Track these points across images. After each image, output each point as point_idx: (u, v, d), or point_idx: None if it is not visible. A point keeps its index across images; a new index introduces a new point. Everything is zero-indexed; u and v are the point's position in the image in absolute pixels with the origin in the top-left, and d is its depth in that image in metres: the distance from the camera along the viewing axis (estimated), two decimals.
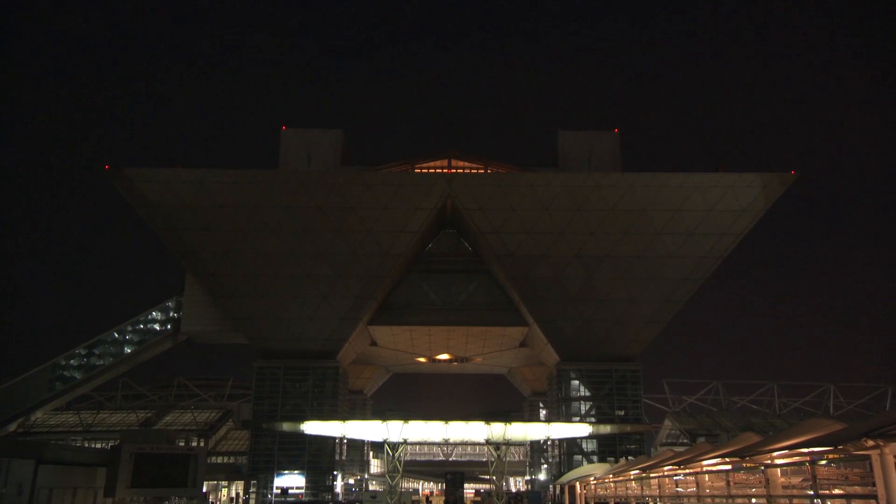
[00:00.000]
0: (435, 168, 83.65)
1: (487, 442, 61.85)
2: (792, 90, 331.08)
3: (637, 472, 43.03)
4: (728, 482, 28.51)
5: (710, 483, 31.82)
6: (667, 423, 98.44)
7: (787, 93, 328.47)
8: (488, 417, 69.47)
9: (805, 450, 20.42)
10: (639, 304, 79.53)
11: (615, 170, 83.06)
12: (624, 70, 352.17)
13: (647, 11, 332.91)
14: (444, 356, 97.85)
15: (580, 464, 78.61)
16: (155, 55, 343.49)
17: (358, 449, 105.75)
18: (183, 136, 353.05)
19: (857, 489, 20.57)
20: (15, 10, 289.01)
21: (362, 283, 79.27)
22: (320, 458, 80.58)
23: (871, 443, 16.88)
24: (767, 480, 24.35)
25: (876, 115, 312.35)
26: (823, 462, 21.25)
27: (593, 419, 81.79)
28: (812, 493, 21.54)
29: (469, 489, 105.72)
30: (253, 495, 79.29)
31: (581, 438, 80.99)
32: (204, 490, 72.60)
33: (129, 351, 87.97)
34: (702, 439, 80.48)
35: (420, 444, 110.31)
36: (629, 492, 47.80)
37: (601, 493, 57.25)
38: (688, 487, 35.32)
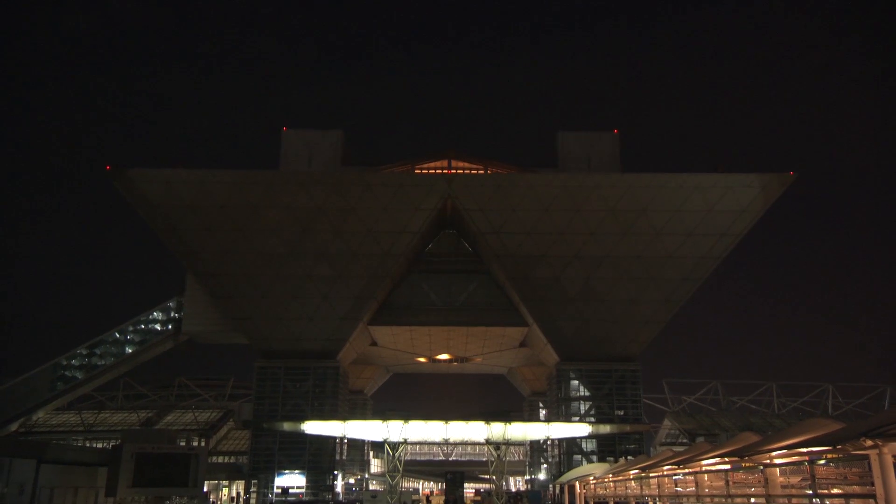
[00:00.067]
0: (435, 169, 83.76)
1: (487, 442, 62.00)
2: (791, 91, 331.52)
3: (636, 471, 43.15)
4: (727, 482, 28.52)
5: (709, 483, 31.89)
6: (666, 422, 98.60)
7: (786, 93, 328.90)
8: (488, 417, 69.51)
9: (804, 449, 20.46)
10: (638, 305, 79.74)
11: (615, 170, 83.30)
12: (623, 71, 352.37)
13: (647, 12, 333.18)
14: (444, 356, 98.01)
15: (580, 463, 78.84)
16: (155, 56, 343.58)
17: (358, 449, 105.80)
18: (183, 137, 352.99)
19: (856, 489, 20.56)
20: (15, 11, 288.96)
21: (362, 284, 79.46)
22: (321, 458, 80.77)
23: (869, 442, 16.92)
24: (766, 480, 24.38)
25: (875, 116, 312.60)
26: (822, 462, 21.28)
27: (593, 419, 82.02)
28: (811, 492, 21.55)
29: (469, 489, 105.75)
30: (253, 495, 79.45)
31: (581, 438, 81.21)
32: (205, 490, 72.77)
33: (130, 351, 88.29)
34: (701, 439, 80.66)
35: (420, 443, 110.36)
36: (628, 491, 47.92)
37: (601, 492, 57.35)
38: (687, 487, 35.40)
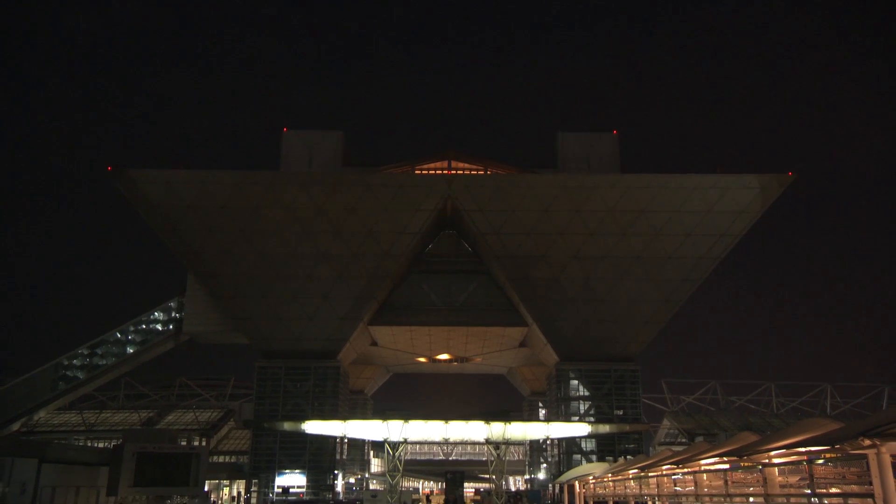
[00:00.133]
0: (435, 169, 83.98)
1: (487, 441, 62.09)
2: (791, 91, 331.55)
3: (636, 471, 43.24)
4: (726, 481, 28.55)
5: (708, 482, 31.95)
6: (665, 422, 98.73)
7: (786, 94, 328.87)
8: (488, 417, 69.73)
9: (802, 449, 20.53)
10: (638, 305, 79.94)
11: (614, 171, 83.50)
12: (623, 71, 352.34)
13: (647, 13, 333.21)
14: (444, 356, 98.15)
15: (579, 463, 78.92)
16: (156, 56, 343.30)
17: (358, 448, 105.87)
18: (184, 137, 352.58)
19: (854, 488, 20.60)
20: (16, 11, 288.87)
21: (363, 284, 79.66)
22: (321, 458, 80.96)
23: (867, 442, 16.96)
24: (765, 479, 24.38)
25: (874, 117, 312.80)
26: (821, 461, 21.29)
27: (592, 419, 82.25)
28: (809, 491, 21.55)
29: (469, 488, 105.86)
30: (254, 494, 79.65)
31: (580, 438, 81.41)
32: (206, 489, 73.00)
33: (131, 351, 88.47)
34: (700, 439, 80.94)
35: (420, 443, 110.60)
36: (628, 491, 48.03)
37: (600, 492, 57.48)
38: (686, 486, 35.46)
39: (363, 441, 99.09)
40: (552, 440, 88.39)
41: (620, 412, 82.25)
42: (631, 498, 47.28)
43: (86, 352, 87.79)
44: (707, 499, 31.58)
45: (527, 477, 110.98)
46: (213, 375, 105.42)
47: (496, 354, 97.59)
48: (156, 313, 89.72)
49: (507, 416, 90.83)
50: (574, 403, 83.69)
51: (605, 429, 77.84)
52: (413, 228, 78.53)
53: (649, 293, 79.61)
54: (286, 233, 78.23)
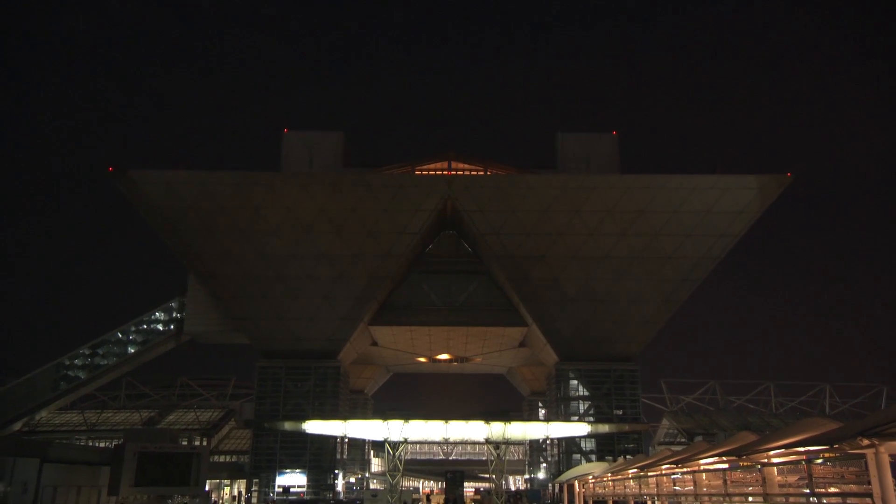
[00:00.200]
0: (435, 170, 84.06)
1: (487, 441, 62.13)
2: (791, 91, 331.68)
3: (635, 470, 43.26)
4: (725, 481, 28.53)
5: (707, 482, 31.95)
6: (664, 422, 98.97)
7: (785, 94, 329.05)
8: (488, 417, 69.88)
9: (801, 449, 20.56)
10: (637, 305, 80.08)
11: (613, 171, 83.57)
12: (623, 72, 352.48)
13: (647, 13, 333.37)
14: (445, 356, 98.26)
15: (579, 462, 79.03)
16: (156, 56, 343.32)
17: (359, 448, 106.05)
18: (184, 138, 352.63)
19: (853, 488, 20.52)
20: (16, 11, 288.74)
21: (363, 284, 79.80)
22: (322, 457, 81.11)
23: (866, 442, 16.94)
24: (764, 479, 24.41)
25: (873, 117, 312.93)
26: (819, 461, 21.24)
27: (592, 418, 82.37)
28: (808, 491, 21.59)
29: (469, 488, 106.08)
30: (255, 494, 79.78)
31: (580, 437, 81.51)
32: (206, 489, 73.15)
33: (132, 351, 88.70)
34: (699, 438, 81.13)
35: (420, 443, 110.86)
36: (627, 490, 48.11)
37: (600, 491, 57.60)
38: (685, 486, 35.48)
39: (363, 441, 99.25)
40: (552, 440, 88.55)
41: (620, 412, 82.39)
42: (630, 497, 47.40)
43: (87, 352, 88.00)
44: (706, 498, 31.63)
45: (526, 476, 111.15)
46: (214, 375, 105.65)
47: (496, 354, 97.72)
48: (157, 313, 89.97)
49: (506, 416, 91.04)
50: (573, 403, 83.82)
51: (604, 428, 77.91)
52: (413, 229, 78.66)
53: (649, 293, 79.76)
54: (287, 233, 78.35)
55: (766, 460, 23.74)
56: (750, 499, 27.43)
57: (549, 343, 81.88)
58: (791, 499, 23.93)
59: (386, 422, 60.32)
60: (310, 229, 78.20)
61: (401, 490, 63.94)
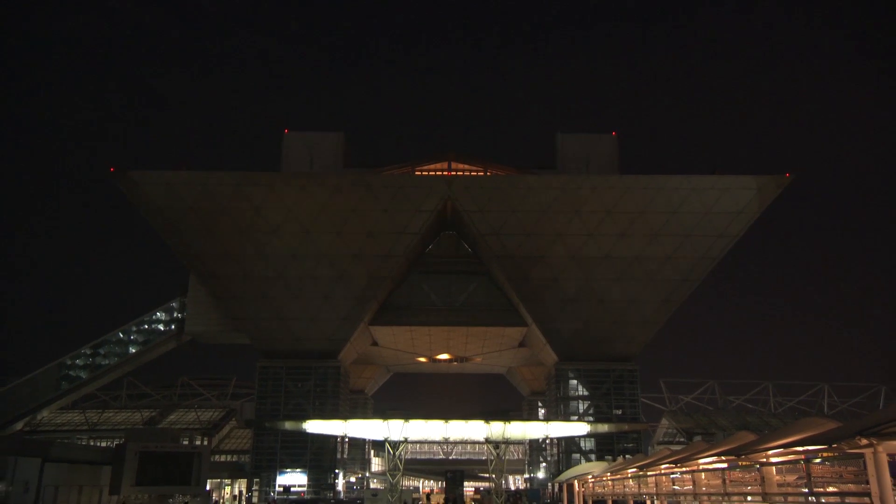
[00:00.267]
0: (435, 170, 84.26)
1: (487, 441, 62.18)
2: (790, 92, 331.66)
3: (634, 470, 43.24)
4: (724, 480, 28.43)
5: (706, 481, 31.92)
6: (664, 421, 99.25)
7: (785, 95, 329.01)
8: (488, 416, 70.07)
9: (800, 448, 20.55)
10: (636, 305, 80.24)
11: (613, 172, 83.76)
12: (622, 73, 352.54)
13: (646, 15, 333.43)
14: (444, 356, 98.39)
15: (578, 462, 79.17)
16: (157, 57, 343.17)
17: (359, 447, 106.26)
18: (184, 139, 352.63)
19: (851, 487, 20.57)
20: (16, 11, 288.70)
21: (363, 284, 79.96)
22: (322, 457, 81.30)
23: (864, 441, 16.90)
24: (763, 478, 24.34)
25: (872, 118, 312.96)
26: (818, 460, 21.19)
27: (591, 418, 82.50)
28: (807, 490, 21.57)
29: (469, 487, 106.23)
30: (256, 493, 79.91)
31: (579, 437, 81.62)
32: (207, 488, 73.32)
33: (133, 351, 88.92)
34: (698, 438, 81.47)
35: (420, 442, 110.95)
36: (626, 490, 48.14)
37: (599, 490, 57.64)
38: (684, 485, 35.44)
39: (364, 440, 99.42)
40: (551, 439, 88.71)
41: (619, 412, 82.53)
42: (630, 497, 47.48)
43: (88, 352, 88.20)
44: (705, 498, 31.65)
45: (526, 476, 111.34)
46: (215, 375, 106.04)
47: (496, 354, 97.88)
48: (158, 313, 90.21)
49: (506, 416, 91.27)
50: (573, 403, 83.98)
51: (603, 428, 77.94)
52: (413, 229, 78.84)
53: (648, 293, 79.94)
54: (287, 233, 78.49)
55: (764, 460, 23.69)
56: (749, 498, 27.42)
57: (548, 343, 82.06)
58: (790, 498, 23.90)
59: (386, 421, 60.42)
60: (310, 230, 78.36)
61: (401, 489, 64.09)
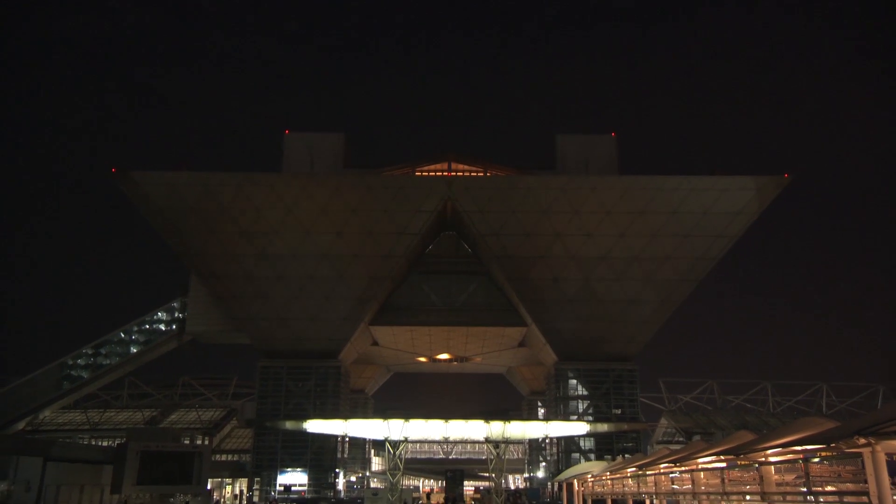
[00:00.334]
0: (435, 171, 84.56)
1: (487, 440, 62.28)
2: (789, 93, 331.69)
3: (634, 469, 43.27)
4: (723, 479, 28.27)
5: (705, 480, 31.88)
6: (663, 421, 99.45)
7: (784, 95, 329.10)
8: (487, 416, 70.42)
9: (798, 448, 20.55)
10: (635, 305, 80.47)
11: (612, 173, 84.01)
12: (622, 74, 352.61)
13: (646, 15, 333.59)
14: (445, 356, 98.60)
15: (578, 461, 79.32)
16: (157, 57, 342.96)
17: (359, 447, 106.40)
18: (186, 139, 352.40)
19: (850, 486, 20.43)
20: (16, 11, 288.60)
21: (364, 285, 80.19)
22: (322, 456, 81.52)
23: (863, 441, 16.87)
24: (761, 478, 24.23)
25: (872, 118, 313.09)
26: (816, 460, 21.11)
27: (591, 418, 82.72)
28: (805, 490, 21.52)
29: (469, 486, 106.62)
30: (256, 493, 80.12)
31: (579, 437, 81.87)
32: (208, 487, 73.43)
33: (135, 351, 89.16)
34: (697, 437, 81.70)
35: (421, 442, 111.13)
36: (626, 489, 48.15)
37: (598, 490, 57.72)
38: (683, 485, 35.45)
39: (364, 440, 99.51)
40: (551, 439, 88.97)
41: (618, 411, 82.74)
42: (629, 496, 47.57)
43: (90, 351, 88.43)
44: (704, 497, 31.68)
45: (526, 475, 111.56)
46: (216, 375, 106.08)
47: (496, 354, 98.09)
48: (159, 313, 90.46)
49: (506, 416, 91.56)
50: (573, 403, 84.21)
51: (603, 428, 78.12)
52: (413, 229, 79.06)
53: (647, 293, 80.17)
54: (288, 234, 78.72)
55: (763, 459, 23.66)
56: (747, 497, 27.40)
57: (548, 343, 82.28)
58: (788, 497, 23.85)
59: (386, 421, 60.57)
60: (311, 230, 78.57)
61: (401, 489, 64.30)
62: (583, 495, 63.45)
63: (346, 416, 76.51)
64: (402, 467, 61.67)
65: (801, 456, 21.38)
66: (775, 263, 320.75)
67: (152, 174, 78.57)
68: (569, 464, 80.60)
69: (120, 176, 77.76)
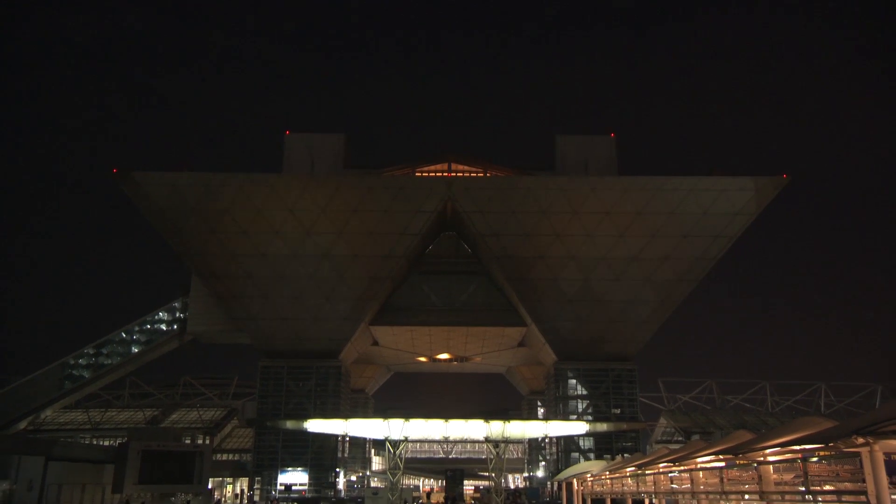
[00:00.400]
0: (435, 172, 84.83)
1: (486, 440, 62.48)
2: (789, 93, 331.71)
3: (633, 468, 43.32)
4: (722, 479, 28.28)
5: (704, 480, 31.90)
6: (662, 420, 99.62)
7: (783, 96, 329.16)
8: (487, 416, 70.57)
9: (797, 447, 20.65)
10: (635, 305, 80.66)
11: (611, 173, 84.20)
12: (621, 74, 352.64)
13: (645, 15, 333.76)
14: (445, 356, 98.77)
15: (577, 461, 79.51)
16: (157, 58, 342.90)
17: (360, 446, 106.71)
18: (186, 140, 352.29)
19: (848, 486, 20.02)
20: (17, 11, 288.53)
21: (364, 285, 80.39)
22: (323, 456, 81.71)
23: (861, 440, 16.92)
24: (760, 477, 24.44)
25: (872, 118, 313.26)
26: (815, 459, 21.14)
27: (590, 417, 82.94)
28: (804, 489, 21.57)
29: (469, 486, 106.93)
30: (257, 492, 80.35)
31: (578, 436, 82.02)
32: (209, 486, 73.73)
33: (136, 350, 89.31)
34: (696, 437, 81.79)
35: (421, 441, 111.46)
36: (625, 488, 48.24)
37: (598, 489, 57.84)
38: (682, 484, 35.60)
39: (364, 439, 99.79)
40: (550, 438, 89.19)
41: (618, 411, 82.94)
42: (628, 495, 47.72)
43: (91, 351, 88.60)
44: (703, 496, 31.78)
45: (526, 475, 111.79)
46: (217, 375, 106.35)
47: (495, 354, 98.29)
48: (160, 313, 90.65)
49: (506, 415, 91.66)
50: (572, 402, 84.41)
51: (602, 427, 78.31)
52: (413, 230, 79.23)
53: (646, 294, 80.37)
54: (288, 234, 78.86)
55: (762, 459, 23.78)
56: (746, 496, 27.49)
57: (547, 343, 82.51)
58: (787, 497, 23.85)
59: (387, 421, 60.81)
60: (311, 230, 78.75)
61: (401, 488, 64.54)
62: (582, 495, 63.62)
63: (346, 416, 76.62)
64: (402, 467, 61.90)
65: (800, 455, 21.52)
66: (774, 263, 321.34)
67: (154, 175, 78.72)
68: (568, 463, 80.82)
69: (121, 176, 77.90)
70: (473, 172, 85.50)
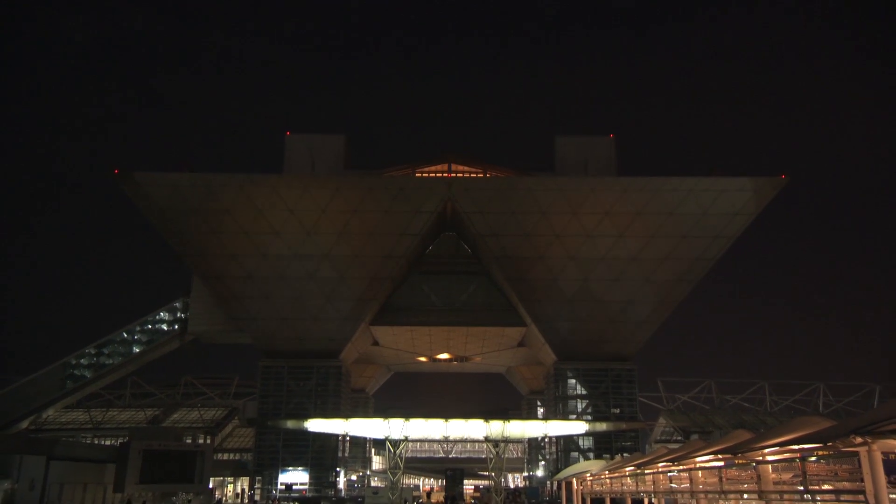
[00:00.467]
0: (435, 172, 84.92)
1: (486, 439, 62.77)
2: (788, 94, 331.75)
3: (632, 468, 43.39)
4: (720, 478, 28.37)
5: (703, 479, 31.98)
6: (661, 420, 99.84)
7: (783, 96, 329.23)
8: (487, 415, 70.81)
9: (795, 447, 20.74)
10: (634, 305, 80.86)
11: (611, 174, 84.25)
12: (621, 75, 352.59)
13: (644, 16, 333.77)
14: (445, 355, 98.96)
15: (577, 460, 79.70)
16: (158, 58, 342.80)
17: (360, 446, 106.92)
18: (186, 140, 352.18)
19: (846, 485, 19.89)
20: (17, 11, 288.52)
21: (364, 285, 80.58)
22: (323, 455, 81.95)
23: (859, 440, 16.97)
24: (759, 477, 24.55)
25: (872, 118, 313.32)
26: (813, 459, 21.10)
27: (589, 417, 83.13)
28: (802, 488, 21.63)
29: (468, 485, 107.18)
30: (258, 491, 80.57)
31: (577, 436, 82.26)
32: (210, 486, 74.00)
33: (137, 350, 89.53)
34: (695, 436, 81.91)
35: (421, 441, 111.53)
36: (624, 487, 48.34)
37: (597, 488, 57.96)
38: (681, 483, 35.71)
39: (365, 439, 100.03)
40: (550, 438, 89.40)
41: (617, 410, 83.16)
42: (627, 495, 47.89)
43: (93, 351, 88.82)
44: (702, 496, 31.91)
45: (525, 474, 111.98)
46: (218, 374, 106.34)
47: (495, 354, 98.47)
48: (161, 313, 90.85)
49: (505, 415, 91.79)
50: (572, 402, 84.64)
51: (602, 427, 78.53)
52: (414, 230, 79.37)
53: (645, 294, 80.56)
54: (289, 234, 78.98)
55: (760, 458, 23.87)
56: (745, 496, 27.65)
57: (547, 343, 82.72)
58: (785, 496, 23.85)
59: (387, 420, 61.08)
60: (312, 231, 78.87)
61: (401, 487, 64.82)
62: (581, 494, 63.81)
63: (346, 416, 76.84)
64: (402, 466, 62.21)
65: (798, 455, 21.62)
66: (773, 264, 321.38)
67: (155, 175, 78.78)
68: (568, 463, 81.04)
69: (122, 177, 77.96)
70: (473, 173, 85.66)
